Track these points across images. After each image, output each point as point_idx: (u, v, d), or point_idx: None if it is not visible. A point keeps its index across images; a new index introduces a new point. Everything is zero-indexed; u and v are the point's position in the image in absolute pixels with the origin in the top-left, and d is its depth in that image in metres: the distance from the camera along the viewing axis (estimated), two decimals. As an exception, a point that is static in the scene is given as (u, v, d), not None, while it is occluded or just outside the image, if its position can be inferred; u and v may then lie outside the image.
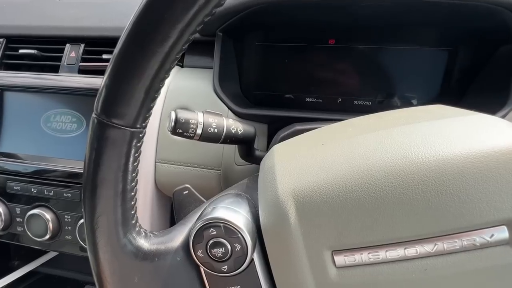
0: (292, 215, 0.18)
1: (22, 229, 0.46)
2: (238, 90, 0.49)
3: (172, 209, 0.28)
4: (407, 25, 0.43)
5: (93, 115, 0.17)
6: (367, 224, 0.17)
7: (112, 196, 0.18)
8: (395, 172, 0.17)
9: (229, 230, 0.19)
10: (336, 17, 0.43)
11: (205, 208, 0.22)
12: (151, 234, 0.21)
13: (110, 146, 0.17)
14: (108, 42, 0.47)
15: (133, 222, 0.19)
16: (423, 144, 0.18)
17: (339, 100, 0.49)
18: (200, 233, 0.19)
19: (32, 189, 0.45)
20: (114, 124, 0.17)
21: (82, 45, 0.48)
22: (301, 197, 0.18)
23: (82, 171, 0.46)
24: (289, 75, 0.49)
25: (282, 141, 0.27)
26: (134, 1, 0.51)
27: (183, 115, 0.28)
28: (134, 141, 0.18)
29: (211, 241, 0.19)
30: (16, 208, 0.46)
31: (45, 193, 0.45)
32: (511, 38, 0.35)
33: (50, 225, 0.44)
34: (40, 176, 0.45)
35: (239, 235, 0.19)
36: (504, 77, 0.37)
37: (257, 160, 0.37)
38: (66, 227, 0.44)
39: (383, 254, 0.17)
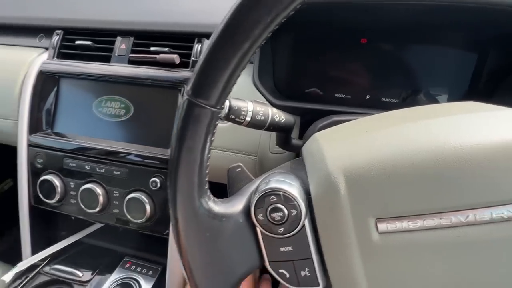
0: (342, 188, 0.21)
1: (75, 201, 0.51)
2: (272, 84, 0.53)
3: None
4: (438, 27, 0.45)
5: (185, 95, 0.21)
6: (408, 196, 0.20)
7: (193, 163, 0.22)
8: (435, 154, 0.20)
9: (287, 198, 0.23)
10: (370, 17, 0.46)
11: (261, 182, 0.25)
12: (217, 200, 0.25)
13: (196, 122, 0.21)
14: (155, 36, 0.51)
15: (206, 188, 0.23)
16: (460, 132, 0.21)
17: (367, 96, 0.51)
18: (261, 200, 0.23)
19: (86, 166, 0.50)
20: (201, 104, 0.21)
21: (132, 38, 0.52)
22: (351, 173, 0.21)
23: (129, 152, 0.51)
24: (320, 71, 0.52)
25: (320, 130, 0.30)
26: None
27: (236, 103, 0.31)
28: (214, 119, 0.22)
29: (270, 207, 0.23)
30: (71, 183, 0.51)
31: (97, 170, 0.50)
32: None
33: (100, 199, 0.49)
34: (92, 155, 0.51)
35: (295, 202, 0.22)
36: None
37: (292, 148, 0.41)
38: (114, 202, 0.50)
39: (420, 223, 0.20)
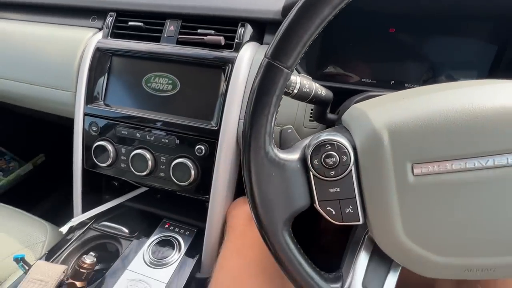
0: (385, 139, 0.27)
1: (125, 165, 0.58)
2: (304, 65, 0.58)
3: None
4: (462, 17, 0.50)
5: (264, 58, 0.27)
6: (439, 144, 0.25)
7: (267, 115, 0.28)
8: (464, 111, 0.25)
9: (339, 147, 0.28)
10: (400, 7, 0.50)
11: (312, 137, 0.31)
12: (279, 149, 0.30)
13: (273, 80, 0.27)
14: (201, 19, 0.57)
15: (273, 137, 0.29)
16: (484, 95, 0.26)
17: (392, 82, 0.56)
18: (318, 148, 0.29)
19: (137, 134, 0.57)
20: (279, 65, 0.26)
21: (180, 21, 0.58)
22: (393, 126, 0.27)
23: (177, 123, 0.57)
24: (349, 56, 0.57)
25: (356, 103, 0.35)
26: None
27: None
28: (287, 79, 0.27)
29: (325, 153, 0.28)
30: (122, 148, 0.58)
31: (147, 137, 0.56)
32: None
33: (149, 163, 0.55)
34: (142, 124, 0.57)
35: (346, 150, 0.28)
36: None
37: (327, 121, 0.46)
38: (161, 166, 0.56)
39: (449, 166, 0.25)
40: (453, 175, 0.25)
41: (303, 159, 0.30)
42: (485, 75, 0.50)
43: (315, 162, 0.29)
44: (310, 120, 0.52)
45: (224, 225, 0.57)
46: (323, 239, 0.78)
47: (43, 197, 1.15)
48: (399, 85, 0.55)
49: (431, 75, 0.53)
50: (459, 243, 0.27)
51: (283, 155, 0.30)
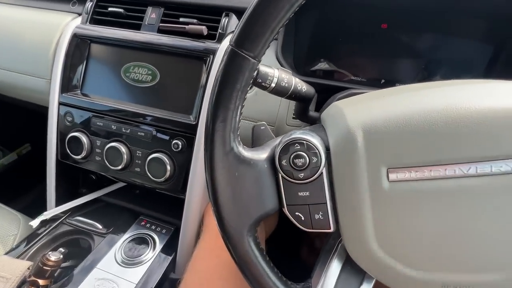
0: (360, 140, 0.24)
1: (100, 158, 0.55)
2: (291, 60, 0.55)
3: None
4: (458, 14, 0.47)
5: (229, 45, 0.24)
6: (418, 149, 0.23)
7: (232, 109, 0.25)
8: (445, 113, 0.22)
9: (309, 147, 0.25)
10: (394, 2, 0.48)
11: (284, 136, 0.28)
12: (246, 147, 0.28)
13: (237, 70, 0.24)
14: (184, 8, 0.54)
15: (238, 133, 0.26)
16: (468, 96, 0.23)
17: (382, 81, 0.53)
18: (286, 148, 0.26)
19: (112, 126, 0.54)
20: (244, 54, 0.23)
21: (162, 9, 0.55)
22: (368, 126, 0.24)
23: (154, 116, 0.54)
24: (338, 52, 0.54)
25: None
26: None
27: (264, 68, 0.34)
28: (253, 70, 0.24)
29: (294, 154, 0.26)
30: (97, 141, 0.55)
31: (122, 130, 0.53)
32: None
33: (124, 157, 0.53)
34: (119, 116, 0.54)
35: (317, 151, 0.25)
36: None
37: (309, 119, 0.43)
38: (136, 161, 0.53)
39: (427, 173, 0.23)
40: (431, 183, 0.23)
41: (271, 159, 0.27)
42: (481, 75, 0.48)
43: (283, 162, 0.26)
44: (293, 118, 0.49)
45: (200, 224, 0.54)
46: (316, 240, 0.75)
47: (26, 188, 1.12)
48: (390, 85, 0.52)
49: (425, 74, 0.51)
50: (436, 256, 0.24)
51: (249, 154, 0.27)
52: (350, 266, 0.29)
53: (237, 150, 0.26)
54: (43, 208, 0.70)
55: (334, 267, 0.30)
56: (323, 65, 0.54)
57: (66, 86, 0.57)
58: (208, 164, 0.26)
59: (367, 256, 0.26)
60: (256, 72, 0.34)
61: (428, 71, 0.51)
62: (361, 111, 0.26)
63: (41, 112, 0.82)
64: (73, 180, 0.65)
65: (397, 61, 0.52)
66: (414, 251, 0.25)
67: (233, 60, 0.24)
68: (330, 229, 0.27)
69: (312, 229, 0.28)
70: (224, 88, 0.24)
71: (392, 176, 0.24)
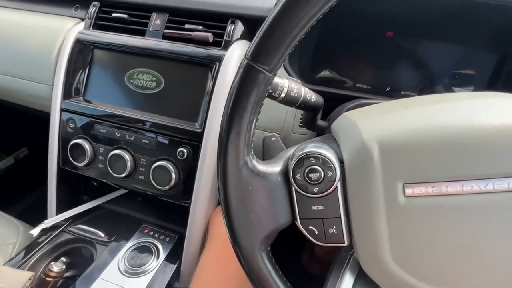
0: (376, 155, 0.24)
1: (103, 165, 0.54)
2: (297, 69, 0.55)
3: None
4: (463, 24, 0.47)
5: (244, 59, 0.24)
6: (435, 164, 0.23)
7: (246, 123, 0.25)
8: (463, 128, 0.22)
9: (324, 161, 0.25)
10: (399, 11, 0.48)
11: (296, 149, 0.28)
12: (259, 160, 0.27)
13: (253, 83, 0.24)
14: (189, 14, 0.54)
15: (252, 147, 0.26)
16: (485, 112, 0.23)
17: (388, 89, 0.53)
18: (301, 161, 0.26)
19: (116, 133, 0.53)
20: (260, 68, 0.23)
21: (167, 15, 0.55)
22: (384, 141, 0.24)
23: (158, 123, 0.54)
24: (344, 61, 0.54)
25: (348, 111, 0.33)
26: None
27: (275, 78, 0.34)
28: (268, 84, 0.24)
29: (309, 168, 0.25)
30: (100, 148, 0.54)
31: (126, 137, 0.53)
32: None
33: (128, 164, 0.52)
34: (122, 123, 0.53)
35: (332, 165, 0.25)
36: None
37: (317, 128, 0.43)
38: (140, 169, 0.53)
39: (444, 188, 0.23)
40: (448, 198, 0.23)
41: (285, 172, 0.27)
42: (484, 86, 0.48)
43: (298, 176, 0.26)
44: (300, 126, 0.49)
45: (205, 233, 0.54)
46: (316, 249, 0.75)
47: (23, 193, 1.11)
48: (395, 92, 0.53)
49: (428, 83, 0.51)
50: (452, 273, 0.24)
51: (263, 167, 0.27)
52: (363, 279, 0.29)
53: (251, 164, 0.26)
54: (41, 213, 0.69)
55: (347, 280, 0.29)
56: (328, 73, 0.54)
57: (69, 92, 0.57)
58: (222, 178, 0.26)
59: (381, 270, 0.26)
60: None
61: (432, 80, 0.51)
62: (376, 125, 0.26)
63: (39, 116, 0.81)
64: (74, 187, 0.64)
65: (401, 69, 0.52)
66: (430, 266, 0.24)
67: (249, 74, 0.24)
68: (344, 243, 0.27)
69: (326, 243, 0.27)
70: (239, 102, 0.24)
71: (408, 191, 0.24)
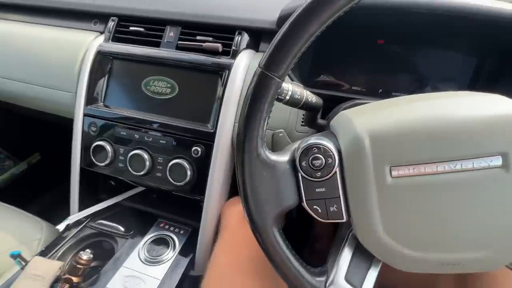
0: (367, 144, 0.29)
1: (123, 165, 0.60)
2: (297, 73, 0.61)
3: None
4: (446, 33, 0.53)
5: (258, 68, 0.29)
6: (415, 150, 0.28)
7: (260, 120, 0.30)
8: (438, 121, 0.28)
9: (325, 150, 0.31)
10: (388, 21, 0.54)
11: (302, 141, 0.33)
12: (270, 151, 0.33)
13: (266, 88, 0.29)
14: (201, 27, 0.59)
15: (265, 140, 0.31)
16: (455, 107, 0.29)
17: (380, 90, 0.59)
18: (306, 151, 0.31)
19: (135, 135, 0.59)
20: (272, 75, 0.29)
21: (180, 28, 0.60)
22: (374, 132, 0.29)
23: (174, 125, 0.59)
24: (340, 66, 0.60)
25: (344, 110, 0.38)
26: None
27: None
28: (278, 88, 0.30)
29: (312, 156, 0.31)
30: (120, 149, 0.60)
31: (145, 138, 0.58)
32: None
33: (147, 163, 0.57)
34: (141, 125, 0.59)
35: (331, 153, 0.30)
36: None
37: (317, 126, 0.49)
38: (158, 166, 0.58)
39: (423, 169, 0.28)
40: (426, 177, 0.28)
41: (292, 161, 0.32)
42: (466, 87, 0.54)
43: (303, 164, 0.31)
44: (302, 125, 0.55)
45: (218, 224, 0.59)
46: (317, 244, 0.81)
47: (37, 195, 1.15)
48: (386, 94, 0.58)
49: (418, 85, 0.57)
50: (433, 239, 0.29)
51: (274, 157, 0.32)
52: (360, 251, 0.34)
53: (264, 155, 0.31)
54: (55, 212, 0.74)
55: (346, 254, 0.34)
56: (326, 78, 0.60)
57: (90, 98, 0.62)
58: (240, 167, 0.31)
59: (375, 241, 0.31)
60: None
61: (420, 82, 0.57)
62: (367, 119, 0.31)
63: (51, 122, 0.86)
64: (93, 187, 0.69)
65: (391, 73, 0.58)
66: (415, 235, 0.30)
67: (263, 80, 0.29)
68: (343, 219, 0.32)
69: (328, 219, 0.32)
70: (255, 103, 0.30)
71: (394, 173, 0.29)
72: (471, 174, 0.27)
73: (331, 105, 0.52)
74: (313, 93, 0.47)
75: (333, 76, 0.59)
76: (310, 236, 0.86)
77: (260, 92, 0.29)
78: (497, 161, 0.27)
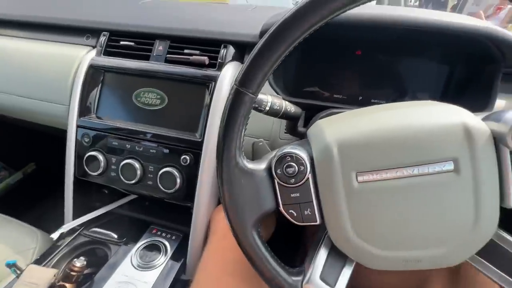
0: (335, 152, 0.32)
1: (115, 174, 0.62)
2: (282, 84, 0.63)
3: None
4: (419, 43, 0.56)
5: (233, 85, 0.32)
6: (377, 157, 0.31)
7: (236, 132, 0.33)
8: (396, 131, 0.31)
9: (297, 159, 0.33)
10: (364, 34, 0.57)
11: (278, 150, 0.36)
12: (249, 160, 0.35)
13: (241, 103, 0.32)
14: (188, 41, 0.62)
15: (242, 150, 0.34)
16: (412, 117, 0.32)
17: (360, 98, 0.62)
18: (280, 160, 0.34)
19: (127, 145, 0.61)
20: (245, 91, 0.31)
21: (168, 42, 0.63)
22: (341, 142, 0.32)
23: (164, 135, 0.62)
24: (321, 76, 0.63)
25: (321, 119, 0.41)
26: (205, 8, 0.66)
27: (260, 96, 0.42)
28: (252, 103, 0.32)
29: (286, 164, 0.33)
30: (112, 158, 0.62)
31: (136, 148, 0.61)
32: (492, 60, 0.48)
33: (138, 172, 0.60)
34: (132, 136, 0.61)
35: (303, 161, 0.33)
36: (488, 89, 0.50)
37: (298, 134, 0.51)
38: (149, 175, 0.60)
39: (384, 175, 0.31)
40: (388, 182, 0.31)
41: (269, 169, 0.35)
42: (439, 94, 0.57)
43: (278, 171, 0.34)
44: (285, 132, 0.57)
45: (207, 230, 0.61)
46: (308, 244, 0.83)
47: (33, 205, 1.17)
48: (367, 101, 0.62)
49: (396, 93, 0.60)
50: (397, 238, 0.32)
51: (251, 165, 0.35)
52: (335, 252, 0.36)
53: (242, 163, 0.34)
54: (51, 221, 0.75)
55: (322, 254, 0.37)
56: (308, 87, 0.63)
57: (83, 110, 0.64)
58: (220, 176, 0.34)
59: (346, 242, 0.33)
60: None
61: (398, 90, 0.60)
62: (336, 129, 0.34)
63: (46, 133, 0.88)
64: (87, 195, 0.71)
65: (371, 82, 0.61)
66: (381, 235, 0.32)
67: (237, 96, 0.32)
68: (316, 222, 0.35)
69: (303, 222, 0.35)
70: (231, 118, 0.32)
71: (360, 178, 0.32)
72: (426, 178, 0.30)
73: (313, 114, 0.55)
74: (296, 102, 0.50)
75: (315, 85, 0.62)
76: (303, 236, 0.88)
77: (235, 107, 0.32)
78: (449, 165, 0.30)
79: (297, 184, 0.34)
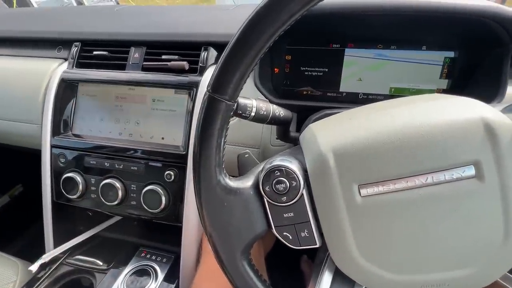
0: (331, 162, 0.27)
1: (95, 195, 0.57)
2: (270, 86, 0.59)
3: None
4: (417, 31, 0.52)
5: (206, 91, 0.27)
6: (382, 166, 0.26)
7: (214, 146, 0.28)
8: (401, 134, 0.26)
9: (288, 172, 0.28)
10: (356, 25, 0.52)
11: (266, 162, 0.31)
12: (232, 178, 0.30)
13: (215, 112, 0.27)
14: (165, 45, 0.57)
15: (223, 167, 0.29)
16: (419, 116, 0.27)
17: (356, 94, 0.57)
18: (268, 175, 0.29)
19: (105, 163, 0.56)
20: (220, 98, 0.26)
21: (144, 48, 0.58)
22: (338, 150, 0.27)
23: (145, 149, 0.56)
24: (312, 73, 0.58)
25: (314, 122, 0.36)
26: (184, 10, 0.61)
27: (243, 100, 0.37)
28: (229, 111, 0.27)
29: (275, 180, 0.28)
30: (91, 179, 0.57)
31: (116, 166, 0.55)
32: (499, 44, 0.43)
33: (119, 192, 0.54)
34: (111, 153, 0.56)
35: (295, 175, 0.28)
36: (496, 76, 0.45)
37: (291, 140, 0.47)
38: (131, 194, 0.55)
39: (392, 186, 0.26)
40: (397, 194, 0.26)
41: (256, 186, 0.30)
42: (443, 86, 0.52)
43: (267, 188, 0.29)
44: (276, 138, 0.52)
45: (200, 249, 0.56)
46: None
47: (21, 230, 1.11)
48: (364, 96, 0.57)
49: (396, 85, 0.55)
50: (411, 260, 0.27)
51: (235, 184, 0.30)
52: (341, 276, 0.31)
53: (224, 182, 0.29)
54: (40, 249, 0.70)
55: (326, 278, 0.32)
56: (299, 87, 0.58)
57: (58, 128, 0.59)
58: (198, 198, 0.29)
59: (351, 265, 0.28)
60: (236, 105, 0.37)
61: (395, 83, 0.55)
62: (331, 135, 0.29)
63: (32, 153, 0.83)
64: (69, 219, 0.66)
65: (366, 76, 0.56)
66: (392, 257, 0.27)
67: (211, 104, 0.27)
68: (316, 244, 0.29)
69: (300, 246, 0.30)
70: (205, 130, 0.27)
71: (363, 192, 0.27)
72: (444, 187, 0.25)
73: (306, 115, 0.50)
74: (286, 105, 0.45)
75: (307, 85, 0.58)
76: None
77: (210, 117, 0.27)
78: (470, 170, 0.25)
79: (290, 202, 0.29)
